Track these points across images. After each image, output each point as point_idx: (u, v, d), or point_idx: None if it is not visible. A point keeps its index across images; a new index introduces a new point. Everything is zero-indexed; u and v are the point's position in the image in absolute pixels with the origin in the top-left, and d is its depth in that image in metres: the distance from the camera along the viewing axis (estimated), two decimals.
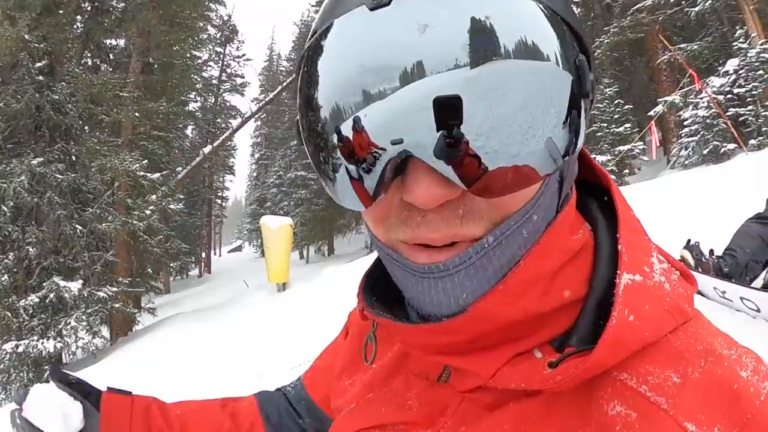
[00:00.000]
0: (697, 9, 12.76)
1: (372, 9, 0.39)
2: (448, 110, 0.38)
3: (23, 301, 9.57)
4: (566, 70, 0.41)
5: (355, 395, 0.62)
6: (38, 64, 10.36)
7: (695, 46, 13.29)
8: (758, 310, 4.08)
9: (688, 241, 4.96)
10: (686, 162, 12.93)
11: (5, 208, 9.78)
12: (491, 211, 0.42)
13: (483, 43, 0.38)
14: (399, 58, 0.38)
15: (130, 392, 0.85)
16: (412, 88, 0.38)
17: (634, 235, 0.48)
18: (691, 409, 0.38)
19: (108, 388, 0.85)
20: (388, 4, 0.39)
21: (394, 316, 0.50)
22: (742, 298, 4.16)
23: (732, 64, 12.21)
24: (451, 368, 0.51)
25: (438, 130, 0.38)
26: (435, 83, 0.37)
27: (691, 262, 4.72)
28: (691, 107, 12.88)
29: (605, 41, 15.45)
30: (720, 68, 12.72)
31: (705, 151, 12.40)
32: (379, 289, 0.57)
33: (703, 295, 4.66)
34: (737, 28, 13.21)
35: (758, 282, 4.51)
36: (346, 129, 0.41)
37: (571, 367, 0.40)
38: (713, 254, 4.77)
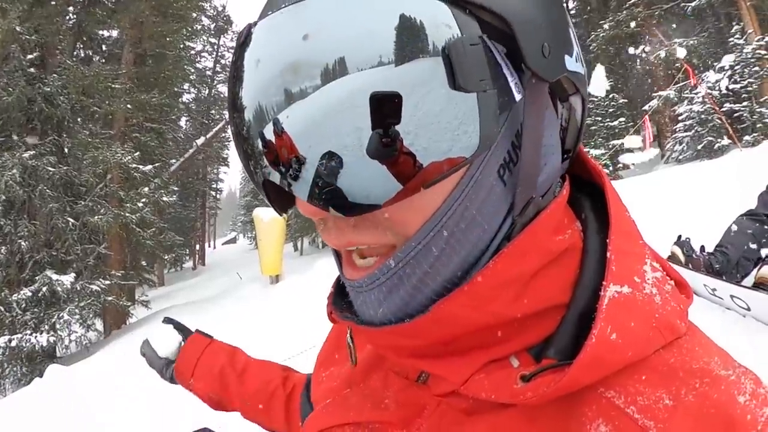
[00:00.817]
0: (693, 4, 12.76)
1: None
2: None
3: (16, 295, 9.57)
4: (411, 64, 0.36)
5: (332, 389, 0.61)
6: (30, 56, 10.30)
7: (691, 42, 13.29)
8: (748, 309, 4.09)
9: (679, 236, 4.97)
10: (680, 157, 12.99)
11: None
12: (386, 222, 0.40)
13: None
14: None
15: (212, 337, 1.10)
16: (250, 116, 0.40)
17: (626, 239, 0.45)
18: None
19: (197, 330, 1.11)
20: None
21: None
22: (732, 296, 4.16)
23: (728, 59, 12.23)
24: None
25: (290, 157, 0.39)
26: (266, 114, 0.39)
27: (681, 258, 4.73)
28: (686, 102, 12.93)
29: (601, 35, 15.46)
30: (716, 64, 12.74)
31: (699, 147, 12.47)
32: None
33: (693, 292, 4.68)
34: (734, 23, 13.26)
35: (749, 279, 4.52)
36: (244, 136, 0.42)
37: (543, 384, 0.38)
38: (704, 251, 4.77)
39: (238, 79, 0.41)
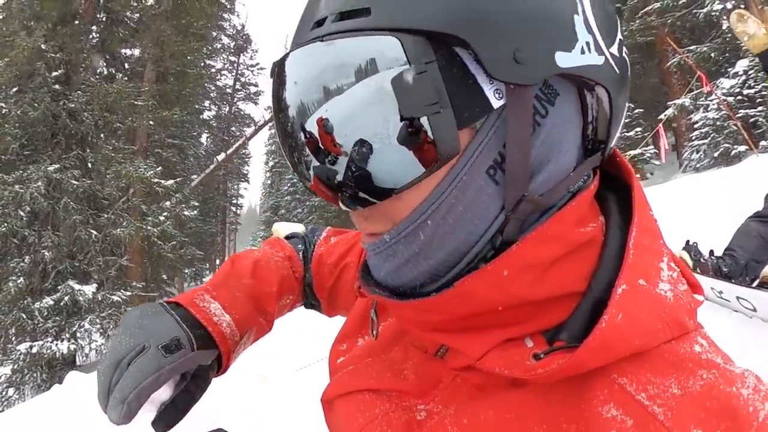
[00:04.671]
0: (705, 10, 12.58)
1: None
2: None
3: (38, 303, 9.80)
4: (386, 83, 0.41)
5: (354, 357, 0.65)
6: (54, 73, 10.66)
7: (705, 48, 13.10)
8: (754, 310, 4.03)
9: (687, 241, 4.92)
10: (698, 165, 12.72)
11: (22, 213, 10.03)
12: (388, 215, 0.47)
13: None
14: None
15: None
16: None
17: (646, 236, 0.46)
18: (687, 423, 0.37)
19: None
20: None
21: (392, 293, 0.52)
22: (738, 298, 4.10)
23: (741, 65, 12.01)
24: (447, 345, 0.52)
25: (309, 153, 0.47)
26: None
27: (690, 262, 4.67)
28: (701, 110, 12.72)
29: None
30: (730, 69, 12.55)
31: (716, 154, 12.20)
32: None
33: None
34: None
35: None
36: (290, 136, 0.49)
37: (552, 362, 0.41)
38: (713, 254, 4.72)
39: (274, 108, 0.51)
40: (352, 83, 0.41)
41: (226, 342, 0.74)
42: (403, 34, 0.40)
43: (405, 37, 0.40)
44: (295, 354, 5.55)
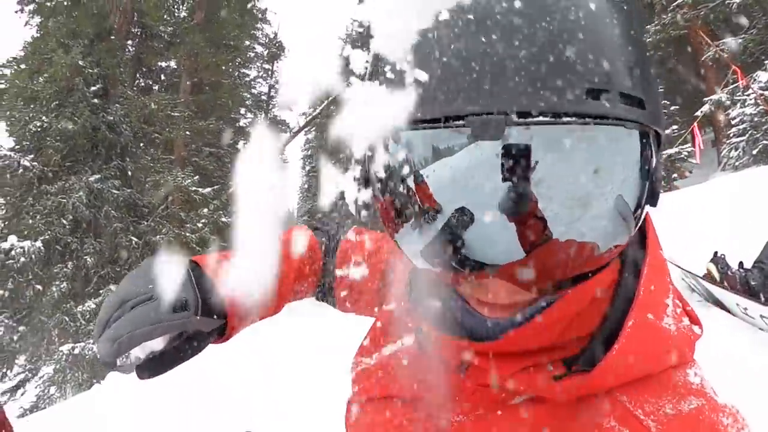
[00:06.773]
0: (738, 0, 11.93)
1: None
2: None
3: (80, 306, 10.28)
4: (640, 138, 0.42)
5: (379, 364, 0.67)
6: (93, 88, 11.11)
7: (740, 40, 12.45)
8: None
9: (715, 253, 4.80)
10: (737, 163, 12.14)
11: (65, 222, 10.53)
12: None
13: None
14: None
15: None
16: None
17: (656, 275, 0.51)
18: None
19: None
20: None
21: None
22: (762, 317, 4.00)
23: None
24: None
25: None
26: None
27: (716, 275, 4.57)
28: (738, 105, 12.16)
29: (648, 40, 14.62)
30: (766, 62, 11.99)
31: (754, 151, 11.63)
32: None
33: (727, 310, 4.48)
34: None
35: None
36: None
37: (569, 383, 0.47)
38: (742, 266, 4.57)
39: None
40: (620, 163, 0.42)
41: (235, 313, 0.74)
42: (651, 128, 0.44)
43: (652, 132, 0.44)
44: (333, 362, 5.53)
